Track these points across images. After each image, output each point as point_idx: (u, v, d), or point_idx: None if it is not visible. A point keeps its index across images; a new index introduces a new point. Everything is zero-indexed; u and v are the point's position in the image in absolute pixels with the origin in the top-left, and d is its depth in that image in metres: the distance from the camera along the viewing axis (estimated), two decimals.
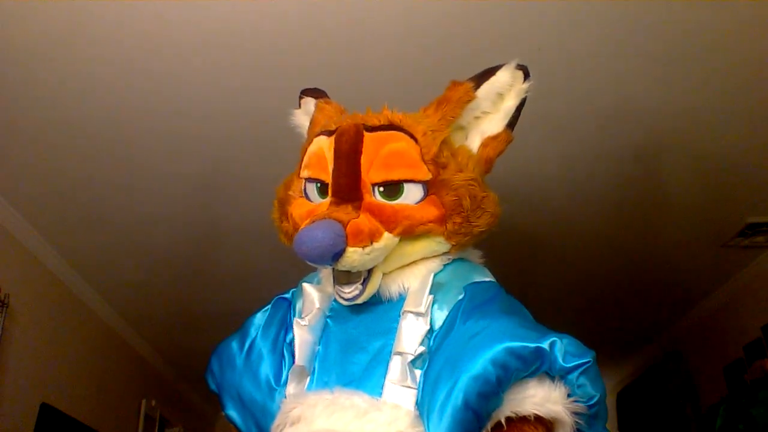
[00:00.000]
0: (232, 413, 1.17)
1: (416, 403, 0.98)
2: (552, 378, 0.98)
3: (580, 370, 0.97)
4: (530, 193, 2.80)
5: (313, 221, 1.01)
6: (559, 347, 0.97)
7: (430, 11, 1.84)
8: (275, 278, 3.46)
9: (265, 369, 1.15)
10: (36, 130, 2.30)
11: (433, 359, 1.00)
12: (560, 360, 0.96)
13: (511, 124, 1.19)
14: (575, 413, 0.97)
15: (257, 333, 1.20)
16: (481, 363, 0.93)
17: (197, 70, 2.05)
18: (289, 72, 2.04)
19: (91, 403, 3.63)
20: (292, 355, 1.15)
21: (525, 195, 2.81)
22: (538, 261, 3.40)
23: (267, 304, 1.26)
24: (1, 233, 2.77)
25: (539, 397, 0.96)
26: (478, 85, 1.16)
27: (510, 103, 1.18)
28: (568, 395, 0.97)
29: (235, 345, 1.22)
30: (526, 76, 1.18)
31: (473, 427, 0.92)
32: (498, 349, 0.94)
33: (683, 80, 2.14)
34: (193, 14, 1.85)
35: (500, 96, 1.18)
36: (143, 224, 2.92)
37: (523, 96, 1.19)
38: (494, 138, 1.18)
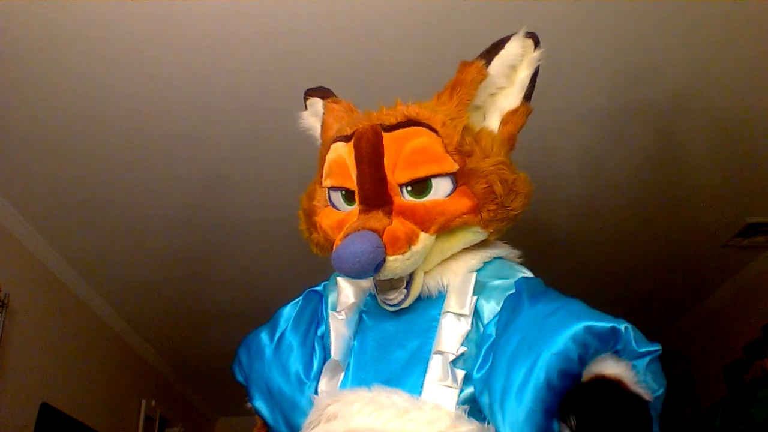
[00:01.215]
0: (260, 404, 1.15)
1: (458, 402, 0.96)
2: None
3: (649, 357, 0.95)
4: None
5: (348, 235, 0.99)
6: (632, 331, 0.95)
7: (434, 8, 1.84)
8: (276, 278, 3.48)
9: (295, 362, 1.13)
10: (36, 130, 2.30)
11: (502, 343, 0.97)
12: (633, 343, 0.94)
13: (528, 95, 1.15)
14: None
15: (287, 325, 1.18)
16: (561, 340, 0.90)
17: (198, 71, 2.05)
18: (293, 72, 2.04)
19: (91, 403, 3.63)
20: (323, 349, 1.13)
21: None
22: (536, 262, 3.40)
23: (298, 296, 1.24)
24: (1, 233, 2.77)
25: (618, 372, 0.93)
26: (488, 62, 1.12)
27: (524, 74, 1.14)
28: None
29: (264, 336, 1.19)
30: (536, 43, 1.14)
31: (553, 407, 0.89)
32: (578, 327, 0.91)
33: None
34: (195, 16, 1.85)
35: (513, 68, 1.14)
36: (143, 224, 2.92)
37: (536, 64, 1.14)
38: (513, 113, 1.14)
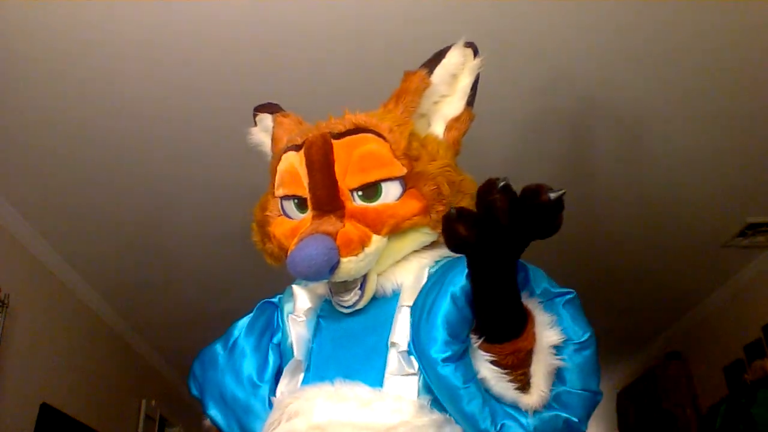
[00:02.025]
0: (214, 413, 1.17)
1: (421, 390, 0.97)
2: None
3: (566, 297, 0.99)
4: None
5: (302, 239, 1.01)
6: (540, 273, 1.01)
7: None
8: (276, 279, 3.48)
9: (248, 366, 1.16)
10: (36, 131, 2.30)
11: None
12: (544, 283, 1.00)
13: (470, 101, 1.20)
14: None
15: (240, 333, 1.21)
16: (465, 275, 0.93)
17: (198, 73, 2.06)
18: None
19: (91, 403, 3.63)
20: (279, 356, 1.16)
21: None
22: (536, 261, 3.40)
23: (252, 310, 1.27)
24: (1, 233, 2.77)
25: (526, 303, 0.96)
26: (431, 71, 1.16)
27: (465, 82, 1.19)
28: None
29: (218, 347, 1.23)
30: (475, 52, 1.19)
31: (459, 320, 0.92)
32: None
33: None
34: (191, 22, 1.86)
35: (454, 77, 1.18)
36: (144, 225, 2.93)
37: (476, 72, 1.19)
38: (457, 119, 1.19)
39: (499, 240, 0.81)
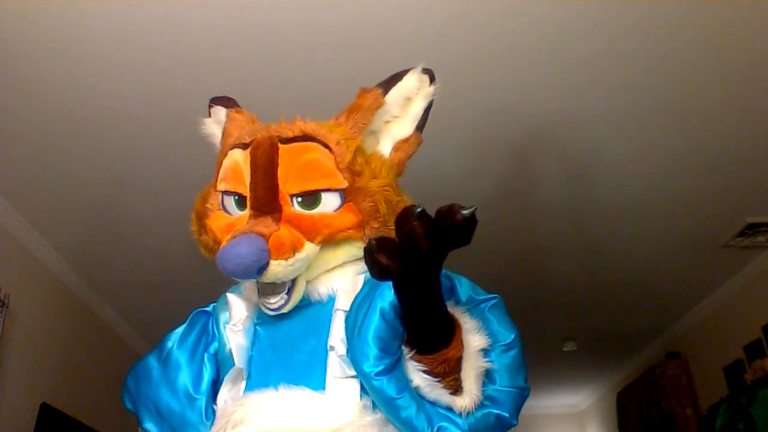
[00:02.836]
0: (150, 426, 1.18)
1: (363, 392, 0.99)
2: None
3: (490, 302, 1.02)
4: (528, 193, 2.81)
5: (235, 236, 1.02)
6: (464, 281, 1.03)
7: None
8: None
9: (184, 378, 1.16)
10: (36, 130, 2.30)
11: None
12: (470, 291, 1.02)
13: (420, 126, 1.22)
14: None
15: (174, 344, 1.21)
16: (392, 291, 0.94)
17: (196, 70, 2.06)
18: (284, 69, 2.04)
19: (91, 403, 3.63)
20: (215, 365, 1.17)
21: (524, 196, 2.81)
22: (537, 261, 3.40)
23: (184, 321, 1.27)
24: (1, 233, 2.77)
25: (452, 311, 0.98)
26: (386, 91, 1.18)
27: (418, 107, 1.21)
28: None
29: (151, 359, 1.23)
30: (432, 79, 1.21)
31: (388, 335, 0.93)
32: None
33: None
34: (191, 19, 1.86)
35: (408, 100, 1.20)
36: (144, 224, 2.93)
37: (430, 99, 1.21)
38: (405, 141, 1.21)
39: (420, 264, 0.83)
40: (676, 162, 2.63)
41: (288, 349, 1.08)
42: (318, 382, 1.01)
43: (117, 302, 3.77)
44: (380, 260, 0.82)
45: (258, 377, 1.07)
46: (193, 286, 3.55)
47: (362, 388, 1.00)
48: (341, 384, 1.01)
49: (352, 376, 1.00)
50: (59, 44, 1.93)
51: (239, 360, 1.10)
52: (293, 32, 1.95)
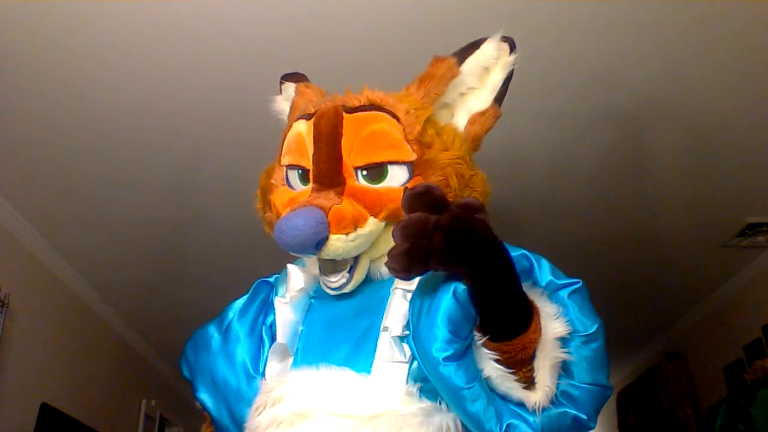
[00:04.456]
0: (204, 396, 1.13)
1: (410, 377, 0.93)
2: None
3: (570, 288, 0.97)
4: (526, 189, 2.80)
5: (294, 209, 0.97)
6: (545, 262, 0.99)
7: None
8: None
9: (242, 352, 1.11)
10: (36, 130, 2.30)
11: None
12: (549, 274, 0.98)
13: (499, 98, 1.14)
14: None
15: (234, 316, 1.17)
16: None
17: (197, 69, 2.05)
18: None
19: (91, 403, 3.63)
20: (271, 338, 1.10)
21: (518, 188, 2.81)
22: None
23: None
24: (1, 233, 2.77)
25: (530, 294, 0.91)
26: (462, 60, 1.11)
27: (497, 77, 1.13)
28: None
29: (212, 329, 1.18)
30: (512, 48, 1.13)
31: (461, 317, 0.86)
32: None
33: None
34: (186, 16, 1.86)
35: (486, 70, 1.13)
36: (143, 224, 2.92)
37: (510, 69, 1.13)
38: (482, 114, 1.13)
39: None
40: (676, 162, 2.63)
41: (339, 327, 1.03)
42: (365, 364, 0.96)
43: (117, 302, 3.77)
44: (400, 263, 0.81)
45: (305, 353, 1.03)
46: (195, 285, 3.55)
47: (409, 374, 0.93)
48: (388, 368, 0.94)
49: (402, 361, 0.94)
50: (59, 44, 1.93)
51: (283, 335, 1.06)
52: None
